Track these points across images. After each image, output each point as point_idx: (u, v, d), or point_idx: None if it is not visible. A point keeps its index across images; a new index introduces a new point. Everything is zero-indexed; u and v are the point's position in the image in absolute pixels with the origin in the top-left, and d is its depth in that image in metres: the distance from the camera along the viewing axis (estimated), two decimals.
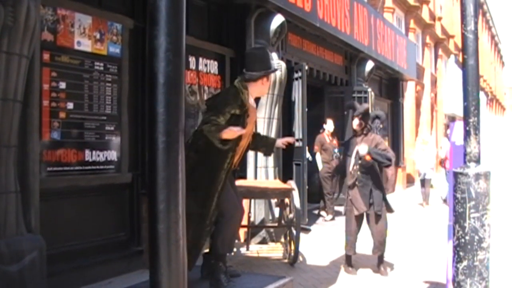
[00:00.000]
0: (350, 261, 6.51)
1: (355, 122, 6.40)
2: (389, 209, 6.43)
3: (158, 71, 2.45)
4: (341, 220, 10.54)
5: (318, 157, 10.83)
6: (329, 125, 11.10)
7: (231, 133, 4.40)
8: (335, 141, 11.27)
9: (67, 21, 5.51)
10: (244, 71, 4.74)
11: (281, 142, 5.26)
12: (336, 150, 11.24)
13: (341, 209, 12.02)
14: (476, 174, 3.44)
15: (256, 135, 5.30)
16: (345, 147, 6.54)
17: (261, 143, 5.24)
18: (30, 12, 4.00)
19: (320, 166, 10.79)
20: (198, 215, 4.53)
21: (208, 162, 4.57)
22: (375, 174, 6.32)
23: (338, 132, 12.88)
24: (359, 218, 6.39)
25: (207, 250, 5.11)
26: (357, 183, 6.27)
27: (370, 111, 6.56)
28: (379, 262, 6.50)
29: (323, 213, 10.92)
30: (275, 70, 4.88)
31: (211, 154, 4.54)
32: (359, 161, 6.23)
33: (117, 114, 6.07)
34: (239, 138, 4.63)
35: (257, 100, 5.07)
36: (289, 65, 9.47)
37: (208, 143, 4.52)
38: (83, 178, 5.67)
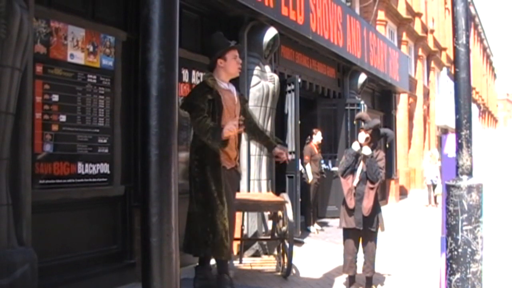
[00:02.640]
0: (353, 280, 6.22)
1: (362, 136, 6.10)
2: (382, 227, 6.16)
3: (151, 84, 2.45)
4: (332, 232, 10.57)
5: (308, 168, 10.71)
6: (318, 136, 11.08)
7: (229, 132, 4.68)
8: (320, 154, 11.27)
9: (60, 33, 5.51)
10: None
11: (275, 154, 5.39)
12: (323, 162, 11.24)
13: (326, 220, 12.07)
14: (468, 186, 3.45)
15: (257, 128, 5.57)
16: (348, 161, 6.10)
17: (263, 141, 5.61)
18: (23, 24, 4.00)
19: (310, 177, 10.70)
20: (217, 206, 4.79)
21: (207, 156, 4.86)
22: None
23: (331, 144, 12.93)
24: (357, 236, 6.12)
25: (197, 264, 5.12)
26: (355, 197, 6.01)
27: (380, 127, 6.33)
28: (370, 283, 6.23)
29: (312, 228, 10.85)
30: (224, 50, 5.05)
31: (206, 149, 4.83)
32: (360, 174, 6.02)
33: (109, 126, 6.06)
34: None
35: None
36: (282, 78, 9.49)
37: (200, 142, 4.85)
38: (76, 190, 5.64)
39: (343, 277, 6.50)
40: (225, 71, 5.01)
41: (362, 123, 6.28)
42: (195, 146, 4.95)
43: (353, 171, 6.06)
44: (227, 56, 5.00)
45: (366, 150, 6.05)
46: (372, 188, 5.98)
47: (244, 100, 5.59)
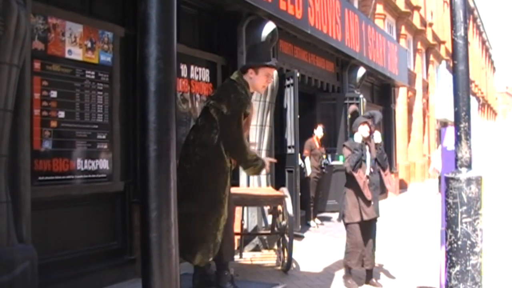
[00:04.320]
0: (350, 273, 6.22)
1: (365, 129, 6.15)
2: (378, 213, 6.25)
3: (149, 79, 2.45)
4: (332, 226, 10.59)
5: (307, 162, 10.74)
6: (318, 131, 11.08)
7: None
8: (323, 148, 11.26)
9: (58, 29, 5.50)
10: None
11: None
12: (324, 157, 11.23)
13: (327, 215, 12.06)
14: (467, 179, 3.44)
15: None
16: (354, 152, 6.07)
17: None
18: (20, 21, 3.99)
19: (309, 170, 10.72)
20: (201, 216, 4.53)
21: (212, 161, 4.61)
22: (379, 177, 6.22)
23: (330, 138, 12.91)
24: (361, 227, 6.08)
25: None
26: (370, 187, 6.04)
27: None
28: (370, 276, 6.25)
29: (311, 222, 10.86)
30: (260, 64, 4.82)
31: (214, 151, 4.59)
32: (370, 163, 6.08)
33: (108, 122, 6.05)
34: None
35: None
36: (280, 72, 9.48)
37: (209, 139, 4.59)
38: (75, 187, 5.65)
39: (343, 271, 6.49)
40: (251, 83, 4.80)
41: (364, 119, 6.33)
42: (200, 140, 4.64)
43: (360, 164, 6.06)
44: (259, 71, 4.80)
45: (378, 138, 6.19)
46: (386, 174, 6.20)
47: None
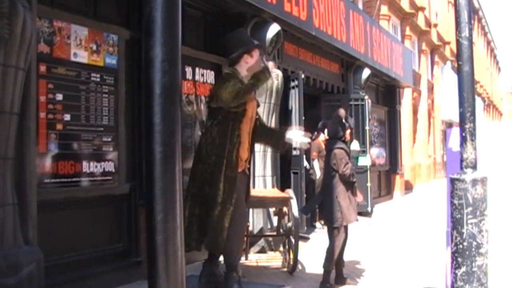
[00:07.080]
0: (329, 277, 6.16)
1: (348, 132, 6.44)
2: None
3: (154, 82, 2.45)
4: None
5: (316, 164, 10.63)
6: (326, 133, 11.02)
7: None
8: None
9: (63, 33, 5.52)
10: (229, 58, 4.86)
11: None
12: None
13: None
14: (473, 180, 3.44)
15: (262, 126, 5.31)
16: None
17: (269, 136, 5.39)
18: (26, 24, 4.00)
19: (318, 173, 10.63)
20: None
21: (218, 149, 4.66)
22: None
23: None
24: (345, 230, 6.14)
25: (205, 258, 5.11)
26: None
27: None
28: (342, 275, 6.32)
29: (317, 224, 10.83)
30: (254, 45, 4.81)
31: (221, 142, 4.63)
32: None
33: (114, 125, 6.07)
34: (243, 121, 4.73)
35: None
36: (285, 74, 9.48)
37: (220, 131, 4.64)
38: (81, 189, 5.66)
39: (349, 272, 6.48)
40: (248, 69, 4.66)
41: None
42: (210, 136, 4.70)
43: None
44: (253, 54, 4.69)
45: (355, 145, 6.21)
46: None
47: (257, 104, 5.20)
